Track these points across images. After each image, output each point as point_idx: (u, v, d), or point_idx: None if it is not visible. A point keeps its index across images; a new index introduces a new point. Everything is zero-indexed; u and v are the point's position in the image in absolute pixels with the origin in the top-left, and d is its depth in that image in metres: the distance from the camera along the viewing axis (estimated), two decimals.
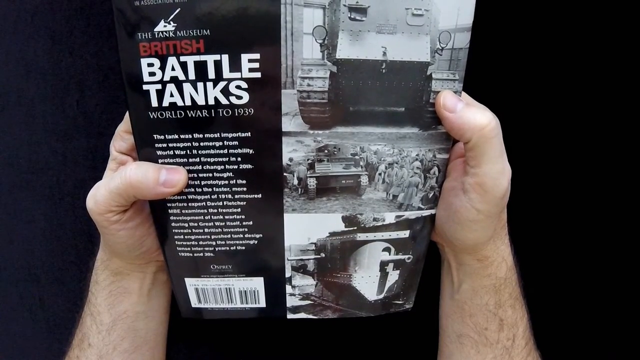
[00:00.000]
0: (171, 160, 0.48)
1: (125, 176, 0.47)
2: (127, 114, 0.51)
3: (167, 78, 0.44)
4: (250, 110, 0.46)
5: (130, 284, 0.57)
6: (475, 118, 0.45)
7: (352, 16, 0.43)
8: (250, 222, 0.52)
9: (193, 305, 0.59)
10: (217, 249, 0.54)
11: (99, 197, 0.49)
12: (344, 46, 0.44)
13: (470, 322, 0.55)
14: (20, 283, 0.77)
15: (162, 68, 0.44)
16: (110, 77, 0.70)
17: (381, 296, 0.58)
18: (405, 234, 0.54)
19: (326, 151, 0.49)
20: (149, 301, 0.59)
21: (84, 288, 0.59)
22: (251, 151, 0.48)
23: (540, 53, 0.68)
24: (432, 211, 0.53)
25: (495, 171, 0.46)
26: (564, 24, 0.67)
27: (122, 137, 0.52)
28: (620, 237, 0.74)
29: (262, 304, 0.59)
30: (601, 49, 0.68)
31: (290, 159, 0.48)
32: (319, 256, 0.55)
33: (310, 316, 0.60)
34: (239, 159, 0.48)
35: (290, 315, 0.60)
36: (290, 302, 0.58)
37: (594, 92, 0.69)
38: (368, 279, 0.56)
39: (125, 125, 0.52)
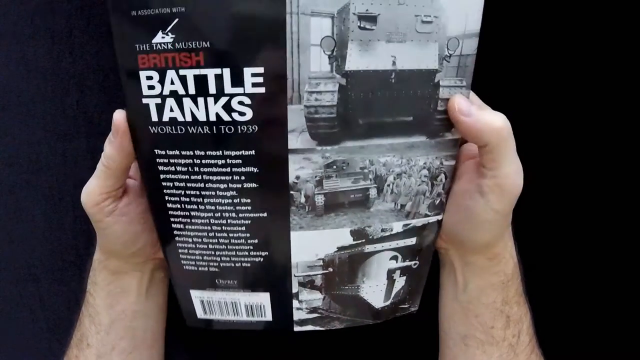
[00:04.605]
0: (173, 176, 0.47)
1: (101, 159, 0.48)
2: None
3: (166, 92, 0.42)
4: (254, 127, 0.44)
5: (128, 283, 0.57)
6: (492, 120, 0.44)
7: (362, 25, 0.41)
8: (256, 240, 0.51)
9: (199, 316, 0.59)
10: (221, 264, 0.53)
11: (90, 187, 0.50)
12: (353, 57, 0.42)
13: (475, 322, 0.55)
14: (20, 283, 0.77)
15: (162, 82, 0.42)
16: (110, 77, 0.70)
17: (388, 302, 0.57)
18: (412, 241, 0.53)
19: (335, 167, 0.47)
20: (147, 300, 0.59)
21: (82, 289, 0.59)
22: (255, 169, 0.46)
23: (544, 57, 0.68)
24: (439, 217, 0.53)
25: (513, 171, 0.46)
26: (567, 29, 0.67)
27: None
28: (620, 233, 0.74)
29: (269, 317, 0.58)
30: (605, 55, 0.67)
31: (297, 177, 0.47)
32: (327, 271, 0.54)
33: (317, 328, 0.59)
34: (243, 177, 0.46)
35: (297, 328, 0.59)
36: (297, 315, 0.58)
37: (595, 96, 0.70)
38: (375, 288, 0.56)
39: None
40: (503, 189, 0.46)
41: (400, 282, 0.56)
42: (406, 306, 0.59)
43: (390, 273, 0.55)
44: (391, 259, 0.54)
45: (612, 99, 0.69)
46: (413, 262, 0.55)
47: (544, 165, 0.68)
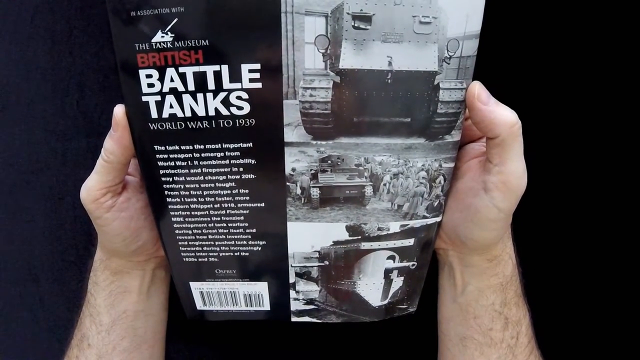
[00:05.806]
0: (172, 171, 0.47)
1: (101, 155, 0.49)
2: None
3: (166, 89, 0.43)
4: (252, 120, 0.45)
5: (130, 283, 0.57)
6: (506, 114, 0.44)
7: (356, 25, 0.41)
8: (254, 230, 0.52)
9: (198, 308, 0.59)
10: (221, 254, 0.53)
11: (89, 183, 0.50)
12: (347, 56, 0.42)
13: (474, 324, 0.55)
14: (20, 283, 0.77)
15: (161, 79, 0.43)
16: (110, 77, 0.70)
17: (385, 302, 0.57)
18: (409, 242, 0.53)
19: (329, 162, 0.48)
20: (148, 299, 0.59)
21: (82, 289, 0.59)
22: (253, 161, 0.47)
23: (545, 59, 0.68)
24: (437, 219, 0.53)
25: (519, 169, 0.46)
26: (570, 31, 0.67)
27: None
28: (620, 233, 0.74)
29: (267, 307, 0.59)
30: (607, 59, 0.67)
31: (293, 169, 0.47)
32: (322, 264, 0.54)
33: (314, 320, 0.60)
34: (241, 169, 0.47)
35: (294, 319, 0.60)
36: (295, 306, 0.58)
37: (595, 99, 0.69)
38: (372, 286, 0.56)
39: None
40: (508, 187, 0.46)
41: (397, 282, 0.56)
42: (404, 307, 0.59)
43: (388, 272, 0.55)
44: (388, 258, 0.54)
45: (612, 105, 0.68)
46: (411, 263, 0.55)
47: (543, 167, 0.68)
